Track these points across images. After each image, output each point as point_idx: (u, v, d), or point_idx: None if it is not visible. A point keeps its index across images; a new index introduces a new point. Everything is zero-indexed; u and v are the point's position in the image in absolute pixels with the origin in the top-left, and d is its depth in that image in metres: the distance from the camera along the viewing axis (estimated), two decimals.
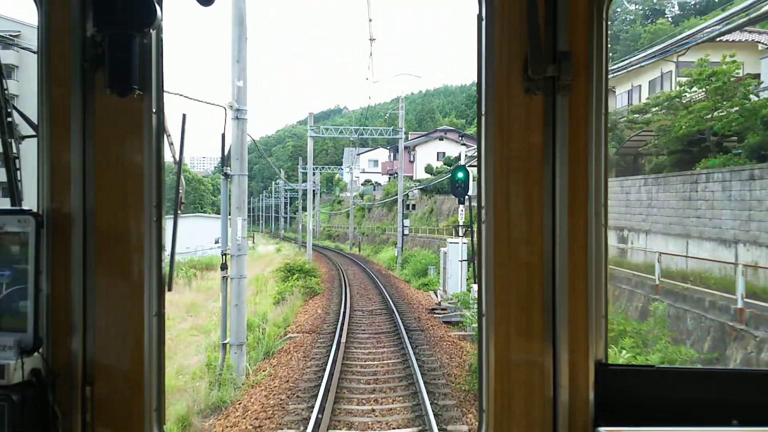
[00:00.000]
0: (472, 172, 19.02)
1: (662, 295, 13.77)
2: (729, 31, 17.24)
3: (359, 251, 54.79)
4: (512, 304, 1.58)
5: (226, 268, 13.30)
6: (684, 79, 24.70)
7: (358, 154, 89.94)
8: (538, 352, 1.58)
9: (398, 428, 9.11)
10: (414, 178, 62.09)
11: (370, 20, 28.65)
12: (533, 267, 1.58)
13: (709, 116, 17.29)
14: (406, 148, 52.55)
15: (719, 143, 17.60)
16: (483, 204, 1.62)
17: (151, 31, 1.58)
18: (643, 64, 20.37)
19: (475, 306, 12.10)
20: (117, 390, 1.62)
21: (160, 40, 1.63)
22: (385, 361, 13.12)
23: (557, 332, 1.56)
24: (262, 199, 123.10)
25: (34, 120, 1.69)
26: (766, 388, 1.58)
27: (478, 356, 1.73)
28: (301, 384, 11.42)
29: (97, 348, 1.61)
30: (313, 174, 49.23)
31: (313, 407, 9.62)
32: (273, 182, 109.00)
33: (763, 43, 24.94)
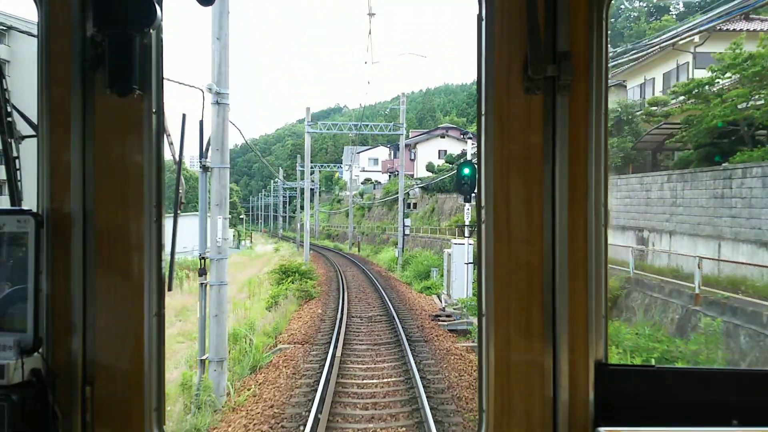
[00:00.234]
0: None
1: (704, 306, 12.08)
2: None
3: (359, 251, 53.52)
4: (512, 303, 1.58)
5: (205, 274, 11.75)
6: (702, 71, 23.24)
7: (358, 153, 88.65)
8: (538, 352, 1.57)
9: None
10: (415, 177, 60.63)
11: None
12: (533, 267, 1.58)
13: (744, 105, 15.72)
14: (406, 146, 51.04)
15: (753, 135, 16.05)
16: (483, 204, 1.61)
17: (151, 31, 1.57)
18: (662, 44, 18.74)
19: None
20: (117, 390, 1.61)
21: (160, 40, 1.63)
22: (386, 380, 11.56)
23: (557, 332, 1.56)
24: (261, 198, 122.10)
25: (34, 120, 1.69)
26: (766, 388, 1.59)
27: (477, 356, 1.74)
28: (288, 409, 9.86)
29: (97, 348, 1.61)
30: (312, 172, 47.92)
31: None
32: (272, 181, 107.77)
33: None
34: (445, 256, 23.64)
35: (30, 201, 1.72)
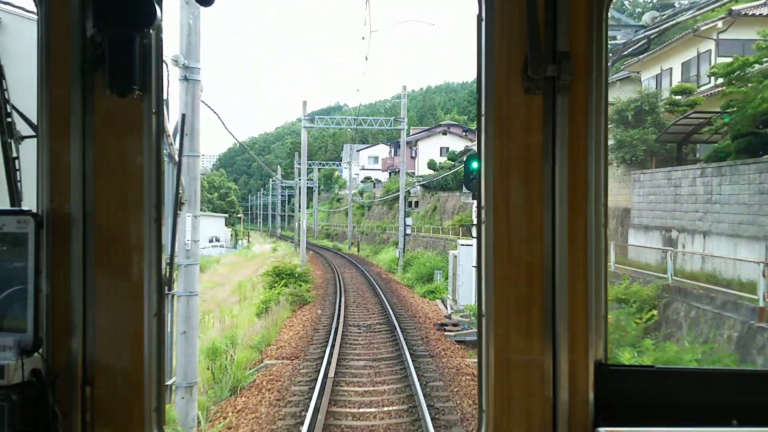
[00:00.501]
0: None
1: None
2: None
3: (358, 251, 51.85)
4: (512, 304, 1.59)
5: (170, 284, 9.92)
6: (726, 59, 21.47)
7: (358, 151, 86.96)
8: (538, 352, 1.58)
9: None
10: (416, 175, 58.87)
11: None
12: (533, 267, 1.58)
13: None
14: (407, 143, 49.25)
15: None
16: (483, 204, 1.62)
17: (150, 31, 1.58)
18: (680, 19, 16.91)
19: None
20: (117, 390, 1.61)
21: (159, 41, 1.63)
22: (386, 408, 9.76)
23: (557, 332, 1.57)
24: (260, 197, 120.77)
25: (34, 120, 1.70)
26: (766, 388, 1.59)
27: (477, 356, 1.68)
28: None
29: (97, 348, 1.61)
30: (310, 170, 46.24)
31: None
32: (270, 179, 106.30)
33: None
34: (450, 258, 21.84)
35: (30, 201, 1.73)
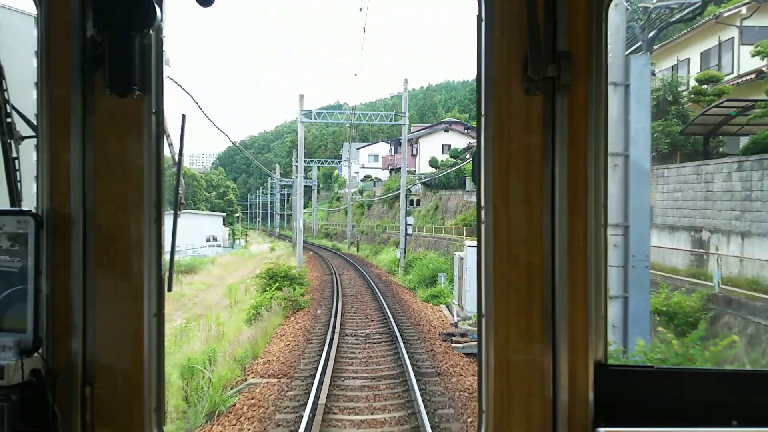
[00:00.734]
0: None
1: None
2: None
3: (357, 251, 50.32)
4: (512, 304, 1.58)
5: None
6: (749, 47, 19.89)
7: (358, 149, 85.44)
8: (538, 353, 1.57)
9: None
10: (417, 173, 57.28)
11: None
12: (533, 267, 1.58)
13: None
14: (408, 140, 47.62)
15: None
16: (482, 204, 1.61)
17: (150, 31, 1.57)
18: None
19: None
20: (117, 390, 1.61)
21: (159, 41, 1.63)
22: None
23: (557, 333, 1.56)
24: (259, 196, 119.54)
25: (34, 121, 1.71)
26: (766, 388, 1.59)
27: (477, 357, 1.70)
28: None
29: (97, 348, 1.60)
30: (308, 167, 44.74)
31: None
32: (269, 178, 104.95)
33: None
34: (456, 260, 20.23)
35: (29, 201, 1.75)
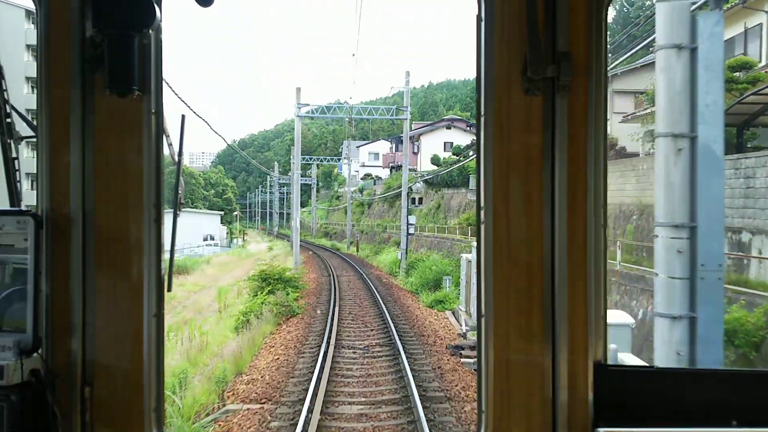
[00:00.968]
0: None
1: None
2: None
3: (357, 251, 48.69)
4: (512, 304, 1.59)
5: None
6: None
7: (358, 147, 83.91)
8: (538, 353, 1.58)
9: None
10: (418, 171, 55.67)
11: None
12: (532, 268, 1.58)
13: None
14: (409, 138, 46.01)
15: None
16: (482, 205, 1.62)
17: (150, 31, 1.58)
18: None
19: None
20: (116, 390, 1.61)
21: (159, 41, 1.63)
22: None
23: (556, 333, 1.57)
24: (258, 195, 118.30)
25: (33, 121, 1.71)
26: (766, 388, 1.59)
27: (477, 357, 1.70)
28: None
29: (97, 348, 1.61)
30: (308, 164, 43.24)
31: None
32: (268, 176, 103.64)
33: None
34: (463, 263, 18.60)
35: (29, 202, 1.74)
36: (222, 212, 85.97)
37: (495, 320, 1.57)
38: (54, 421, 1.48)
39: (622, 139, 27.88)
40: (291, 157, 63.48)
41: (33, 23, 43.52)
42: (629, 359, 7.34)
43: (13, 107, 1.84)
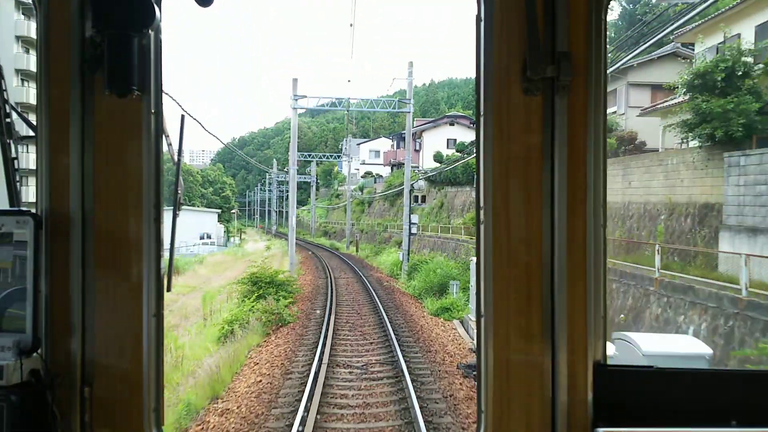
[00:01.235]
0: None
1: None
2: None
3: (357, 252, 46.80)
4: (511, 304, 1.59)
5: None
6: None
7: (358, 144, 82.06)
8: (537, 353, 1.58)
9: None
10: (420, 169, 53.76)
11: None
12: (532, 268, 1.59)
13: None
14: (411, 135, 44.14)
15: None
16: (482, 205, 1.63)
17: (149, 31, 1.58)
18: None
19: None
20: (116, 390, 1.61)
21: (158, 41, 1.64)
22: None
23: (556, 333, 1.57)
24: (257, 193, 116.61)
25: (33, 121, 1.72)
26: (766, 389, 1.59)
27: (476, 357, 1.70)
28: None
29: (96, 349, 1.61)
30: (307, 161, 41.73)
31: None
32: (267, 174, 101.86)
33: None
34: (473, 267, 16.70)
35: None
36: (219, 210, 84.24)
37: (495, 320, 1.57)
38: (54, 421, 1.49)
39: (642, 133, 25.99)
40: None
41: (23, 14, 41.81)
42: None
43: (13, 107, 1.82)
